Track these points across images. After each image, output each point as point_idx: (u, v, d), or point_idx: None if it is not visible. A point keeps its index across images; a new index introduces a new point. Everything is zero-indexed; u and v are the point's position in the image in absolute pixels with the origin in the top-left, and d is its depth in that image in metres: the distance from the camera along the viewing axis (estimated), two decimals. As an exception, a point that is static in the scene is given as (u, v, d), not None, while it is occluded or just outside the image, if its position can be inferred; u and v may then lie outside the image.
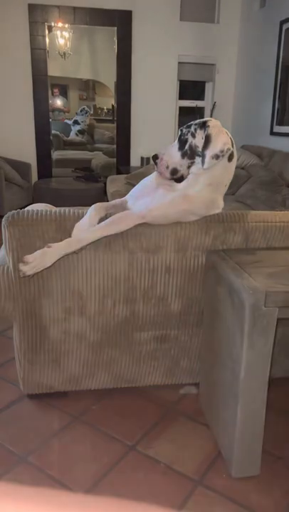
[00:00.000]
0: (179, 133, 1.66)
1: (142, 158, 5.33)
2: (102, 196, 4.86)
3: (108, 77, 6.54)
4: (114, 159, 5.77)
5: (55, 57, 6.29)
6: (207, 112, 5.59)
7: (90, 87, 8.22)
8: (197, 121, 1.63)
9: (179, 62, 5.33)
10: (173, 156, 1.65)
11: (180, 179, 1.65)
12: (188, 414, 1.78)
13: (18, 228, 1.52)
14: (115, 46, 5.26)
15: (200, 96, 5.69)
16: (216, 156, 1.53)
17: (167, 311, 1.70)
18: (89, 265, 1.58)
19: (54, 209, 1.62)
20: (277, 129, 4.45)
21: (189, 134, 1.61)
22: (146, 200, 1.61)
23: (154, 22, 5.12)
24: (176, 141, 1.67)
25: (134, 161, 5.54)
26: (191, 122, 1.65)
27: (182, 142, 1.63)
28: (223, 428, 1.53)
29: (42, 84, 5.22)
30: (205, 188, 1.59)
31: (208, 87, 5.62)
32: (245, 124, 5.19)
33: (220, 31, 5.27)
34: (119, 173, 5.38)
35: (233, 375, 1.41)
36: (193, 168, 1.62)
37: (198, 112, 5.70)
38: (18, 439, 1.62)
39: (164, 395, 1.89)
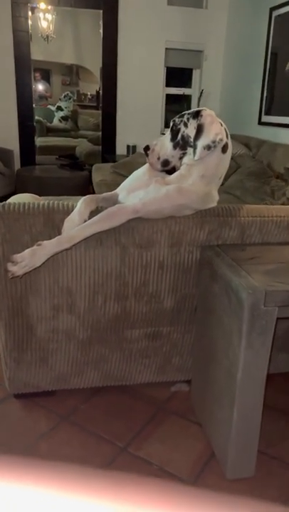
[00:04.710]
0: (172, 123, 1.59)
1: (128, 147, 5.21)
2: (88, 185, 4.74)
3: (93, 62, 6.36)
4: (100, 147, 5.64)
5: (37, 41, 6.08)
6: (194, 99, 5.49)
7: (73, 72, 8.02)
8: (191, 110, 1.57)
9: (166, 49, 5.20)
10: (165, 147, 1.59)
11: (172, 171, 1.60)
12: (179, 413, 1.74)
13: (3, 222, 1.43)
14: (101, 30, 5.10)
15: (187, 83, 5.58)
16: (208, 147, 1.47)
17: (160, 307, 1.65)
18: (79, 261, 1.51)
19: (41, 201, 1.53)
20: (265, 118, 4.40)
21: (182, 124, 1.55)
22: (140, 193, 1.54)
23: (141, 5, 4.97)
24: (169, 131, 1.60)
25: (120, 149, 5.41)
26: (185, 112, 1.58)
27: (174, 132, 1.57)
28: (217, 428, 1.49)
29: (25, 68, 5.02)
30: (198, 180, 1.53)
31: (195, 74, 5.51)
32: (233, 113, 5.12)
33: (208, 17, 5.15)
34: (104, 161, 5.26)
35: (228, 374, 1.37)
36: (185, 159, 1.56)
37: (186, 99, 5.60)
38: (4, 441, 1.56)
39: (154, 393, 1.84)
